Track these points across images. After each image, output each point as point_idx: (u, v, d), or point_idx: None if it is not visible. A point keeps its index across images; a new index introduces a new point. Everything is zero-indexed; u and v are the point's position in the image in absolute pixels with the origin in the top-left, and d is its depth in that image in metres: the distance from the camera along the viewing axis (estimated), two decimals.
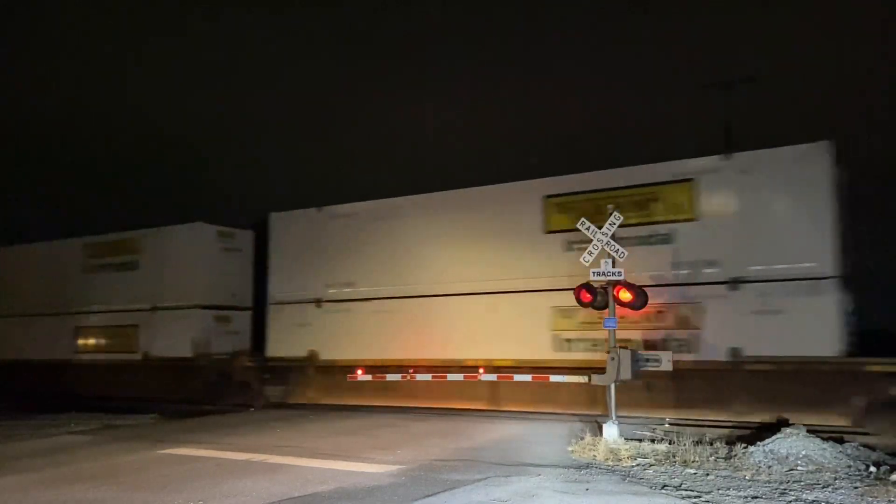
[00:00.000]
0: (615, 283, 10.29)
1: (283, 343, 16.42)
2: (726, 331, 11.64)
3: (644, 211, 12.57)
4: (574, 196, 13.33)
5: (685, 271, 12.11)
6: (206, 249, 17.83)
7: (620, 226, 10.96)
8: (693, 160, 12.45)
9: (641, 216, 12.52)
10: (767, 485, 7.27)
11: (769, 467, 7.92)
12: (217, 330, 17.69)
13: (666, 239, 12.34)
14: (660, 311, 12.17)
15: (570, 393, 12.57)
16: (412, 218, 15.22)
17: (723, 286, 11.76)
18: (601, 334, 11.95)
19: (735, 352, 11.52)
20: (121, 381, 18.36)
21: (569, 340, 13.10)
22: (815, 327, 11.05)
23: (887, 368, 10.47)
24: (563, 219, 13.24)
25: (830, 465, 7.89)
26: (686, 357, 11.69)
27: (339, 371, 15.00)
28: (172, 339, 17.66)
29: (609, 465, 8.39)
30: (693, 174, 12.25)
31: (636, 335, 12.33)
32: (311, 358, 15.84)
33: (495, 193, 14.41)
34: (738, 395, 11.35)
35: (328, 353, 15.72)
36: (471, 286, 14.22)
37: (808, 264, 11.22)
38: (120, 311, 18.77)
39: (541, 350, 13.23)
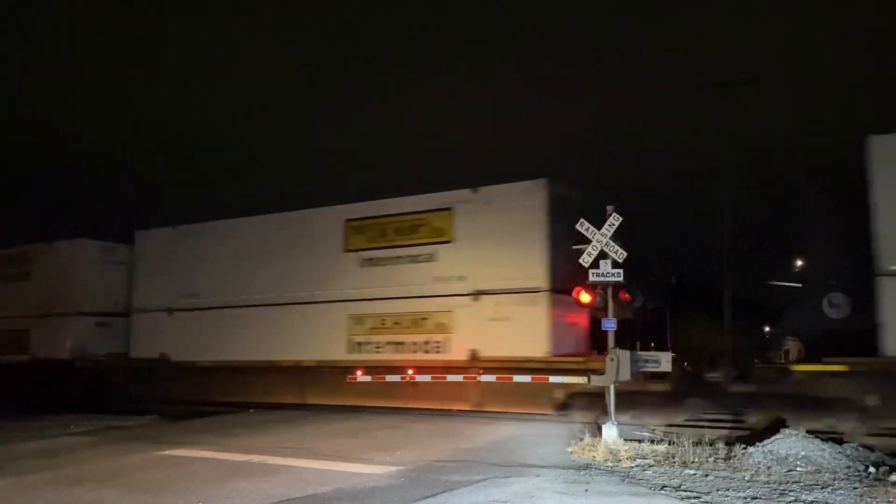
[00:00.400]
0: (614, 285, 10.29)
1: (145, 346, 18.77)
2: (469, 335, 13.95)
3: (415, 234, 14.96)
4: (368, 220, 15.62)
5: (442, 284, 14.44)
6: (88, 262, 19.91)
7: (396, 246, 14.64)
8: (451, 192, 14.69)
9: (413, 238, 14.96)
10: (767, 485, 7.27)
11: (768, 468, 7.93)
12: (99, 334, 19.67)
13: (430, 257, 14.71)
14: (423, 318, 14.60)
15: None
16: (244, 238, 17.63)
17: (468, 297, 14.06)
18: (384, 337, 15.00)
19: (473, 352, 13.80)
20: (13, 379, 19.98)
21: (359, 343, 15.36)
22: (531, 332, 13.30)
23: (579, 366, 12.52)
24: (360, 239, 15.67)
25: (829, 466, 7.89)
26: (437, 357, 14.13)
27: (185, 370, 17.60)
28: (57, 343, 19.64)
29: (608, 466, 8.39)
30: (451, 204, 14.57)
31: (404, 338, 14.85)
32: (162, 359, 18.12)
33: (308, 217, 16.75)
34: (473, 391, 13.47)
35: (178, 355, 17.92)
36: (287, 297, 16.50)
37: (527, 280, 13.48)
38: (15, 318, 20.62)
39: (338, 352, 15.46)
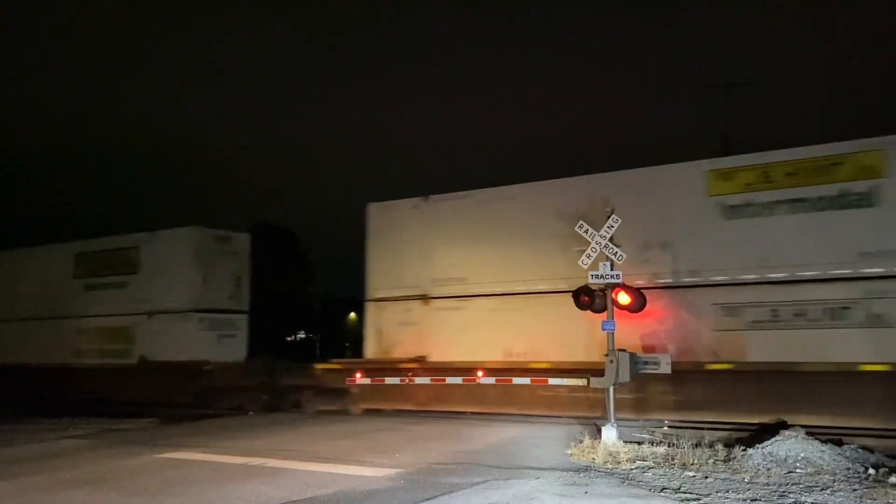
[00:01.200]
0: (613, 286, 10.30)
1: None
2: (145, 343, 18.47)
3: (117, 266, 19.46)
4: (89, 254, 20.24)
5: (131, 305, 18.89)
6: None
7: (107, 275, 19.39)
8: (138, 234, 19.44)
9: (118, 269, 19.41)
10: (766, 487, 7.27)
11: (768, 470, 7.93)
12: None
13: (125, 285, 19.15)
14: (118, 332, 18.99)
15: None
16: (20, 266, 22.05)
17: (145, 315, 18.55)
18: (95, 346, 19.47)
19: (142, 357, 18.46)
20: None
21: (81, 350, 19.82)
22: (183, 341, 17.87)
23: (206, 367, 17.33)
24: (83, 269, 20.18)
25: (829, 468, 7.89)
26: (123, 361, 18.76)
27: None
28: None
29: (608, 468, 8.39)
30: (138, 243, 19.17)
31: (106, 346, 19.19)
32: None
33: (51, 251, 21.44)
34: (137, 386, 18.32)
35: None
36: (43, 313, 20.94)
37: (181, 302, 18.07)
38: None
39: (67, 356, 19.90)
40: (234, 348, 18.55)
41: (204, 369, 17.43)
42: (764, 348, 11.52)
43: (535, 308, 13.55)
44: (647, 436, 10.64)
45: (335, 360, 16.37)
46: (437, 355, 14.47)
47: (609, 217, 10.37)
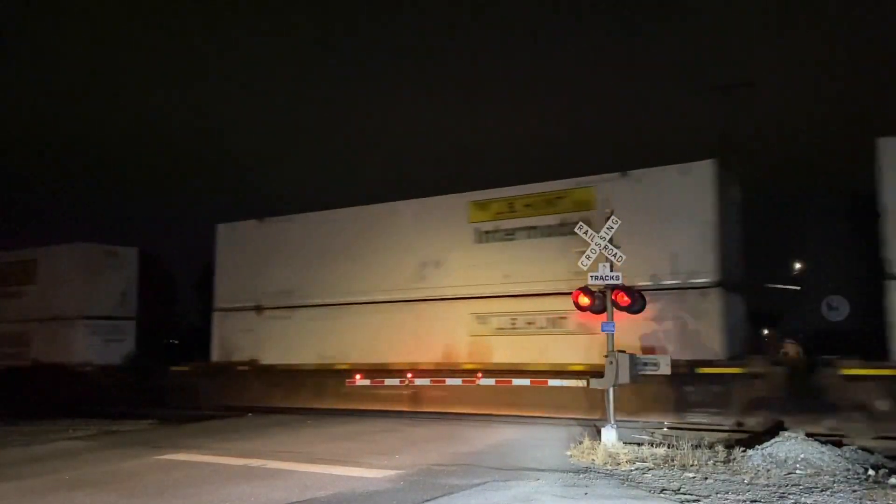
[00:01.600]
0: (613, 287, 10.30)
1: None
2: (41, 346, 20.49)
3: (21, 277, 21.53)
4: (1, 265, 22.29)
5: (29, 312, 20.87)
6: None
7: (10, 285, 21.53)
8: (37, 248, 21.51)
9: (20, 280, 21.54)
10: (766, 488, 7.27)
11: (768, 471, 7.93)
12: None
13: (24, 293, 21.27)
14: (21, 335, 21.10)
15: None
16: None
17: (40, 322, 20.60)
18: (7, 349, 21.37)
19: (35, 360, 20.43)
20: None
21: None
22: (72, 344, 19.94)
23: (86, 369, 19.41)
24: None
25: (829, 469, 7.89)
26: (21, 362, 20.76)
27: None
28: None
29: (608, 469, 8.39)
30: (35, 256, 21.31)
31: (14, 350, 21.16)
32: None
33: None
34: (35, 385, 19.67)
35: None
36: None
37: (69, 309, 20.03)
38: None
39: None
40: (120, 352, 20.52)
41: (85, 370, 19.40)
42: (504, 351, 13.87)
43: (343, 317, 15.80)
44: (646, 437, 10.64)
45: (184, 364, 18.03)
46: (266, 358, 16.73)
47: (608, 219, 10.38)
